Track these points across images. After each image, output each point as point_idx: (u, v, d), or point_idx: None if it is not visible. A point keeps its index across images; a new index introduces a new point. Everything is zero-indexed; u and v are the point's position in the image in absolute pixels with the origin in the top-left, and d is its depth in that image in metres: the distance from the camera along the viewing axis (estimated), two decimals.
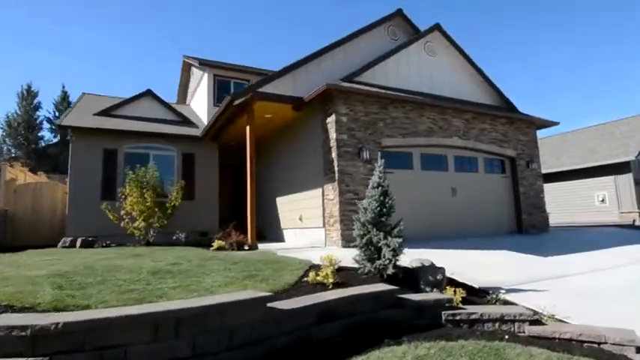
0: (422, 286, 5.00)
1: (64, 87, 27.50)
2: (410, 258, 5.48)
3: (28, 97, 27.46)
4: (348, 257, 5.46)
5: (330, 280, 4.66)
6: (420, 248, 7.74)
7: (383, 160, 5.58)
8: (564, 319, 3.95)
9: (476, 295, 4.83)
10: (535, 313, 4.07)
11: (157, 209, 10.26)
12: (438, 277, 5.06)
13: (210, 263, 5.93)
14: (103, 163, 11.11)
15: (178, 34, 57.07)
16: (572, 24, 57.34)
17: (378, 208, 5.25)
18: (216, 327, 3.03)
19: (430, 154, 10.03)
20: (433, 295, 4.43)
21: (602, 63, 61.99)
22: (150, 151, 11.82)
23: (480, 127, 10.77)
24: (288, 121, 10.64)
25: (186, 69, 17.14)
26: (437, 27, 10.94)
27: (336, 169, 8.33)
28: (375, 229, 5.23)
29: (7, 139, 26.54)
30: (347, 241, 8.15)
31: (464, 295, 4.58)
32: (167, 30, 55.95)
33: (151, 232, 10.15)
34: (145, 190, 9.78)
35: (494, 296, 4.70)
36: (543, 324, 3.90)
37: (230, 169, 14.67)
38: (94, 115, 12.02)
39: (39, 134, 27.88)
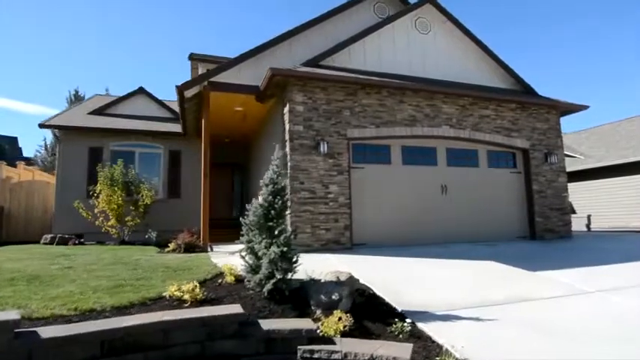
0: (312, 308, 3.99)
1: (107, 91, 29.08)
2: (335, 269, 4.52)
3: (76, 101, 29.63)
4: None
5: (188, 296, 3.83)
6: (387, 256, 6.62)
7: (282, 152, 4.58)
8: None
9: (388, 319, 3.71)
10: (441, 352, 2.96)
11: (132, 207, 10.09)
12: (333, 297, 4.00)
13: (111, 268, 5.41)
14: (88, 161, 11.20)
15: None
16: None
17: (264, 210, 4.30)
18: None
19: (414, 147, 8.68)
20: (291, 324, 3.41)
21: None
22: (135, 149, 11.75)
23: (480, 114, 9.15)
24: (263, 114, 9.89)
25: (195, 66, 17.10)
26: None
27: (288, 164, 7.41)
28: (258, 235, 4.30)
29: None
30: (299, 246, 7.17)
31: (349, 323, 3.50)
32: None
33: (125, 231, 10.00)
34: (115, 189, 9.62)
35: (400, 326, 3.55)
36: None
37: (229, 167, 14.30)
38: (88, 114, 12.23)
39: None
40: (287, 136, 7.51)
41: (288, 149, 7.46)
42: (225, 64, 8.43)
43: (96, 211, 9.77)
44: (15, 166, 12.94)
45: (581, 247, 8.36)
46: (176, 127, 12.34)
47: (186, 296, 3.84)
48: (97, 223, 9.81)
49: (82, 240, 9.80)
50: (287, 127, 7.53)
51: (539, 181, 9.49)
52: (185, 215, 11.94)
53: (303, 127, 7.58)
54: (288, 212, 4.45)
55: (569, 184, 16.63)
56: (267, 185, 4.43)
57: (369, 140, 8.22)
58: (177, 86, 7.87)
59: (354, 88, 8.06)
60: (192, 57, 12.97)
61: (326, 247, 7.38)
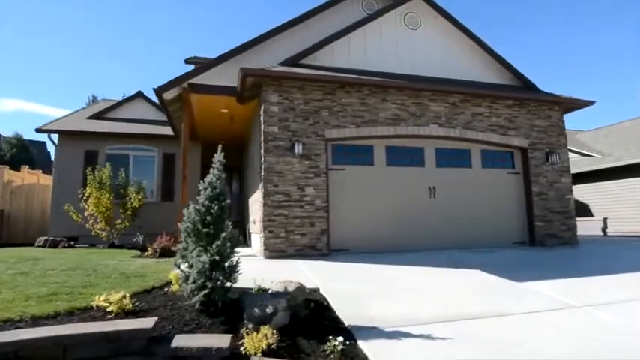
0: (245, 322, 3.73)
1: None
2: (287, 278, 4.28)
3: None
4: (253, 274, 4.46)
5: (115, 307, 3.63)
6: (366, 263, 6.29)
7: (222, 155, 4.34)
8: None
9: (329, 336, 3.38)
10: None
11: (121, 210, 10.15)
12: (267, 310, 3.70)
13: (68, 273, 5.35)
14: (84, 165, 11.37)
15: None
16: None
17: (200, 216, 4.07)
18: None
19: (400, 147, 8.27)
20: (204, 341, 3.15)
21: None
22: (130, 152, 11.85)
23: (473, 112, 8.62)
24: (248, 115, 9.72)
25: None
26: None
27: (262, 166, 7.18)
28: (194, 242, 4.08)
29: None
30: (272, 251, 6.98)
31: (274, 340, 3.21)
32: None
33: (114, 234, 10.06)
34: (103, 192, 9.69)
35: (332, 345, 3.23)
36: None
37: (227, 170, 14.19)
38: (87, 118, 12.45)
39: None
40: (262, 138, 7.28)
41: (262, 151, 7.24)
42: (206, 64, 8.31)
43: (86, 214, 9.87)
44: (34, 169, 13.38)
45: (583, 255, 7.71)
46: (167, 130, 12.37)
47: (112, 307, 3.65)
48: (87, 226, 9.92)
49: (73, 243, 9.93)
50: (262, 128, 7.30)
51: (540, 183, 8.85)
52: (178, 218, 11.96)
53: (278, 128, 7.33)
54: (228, 217, 4.20)
55: (585, 185, 15.70)
56: (205, 189, 4.20)
57: (350, 141, 7.88)
58: (154, 89, 7.80)
59: (332, 87, 7.75)
60: (189, 61, 12.98)
61: (301, 252, 7.09)
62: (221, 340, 3.16)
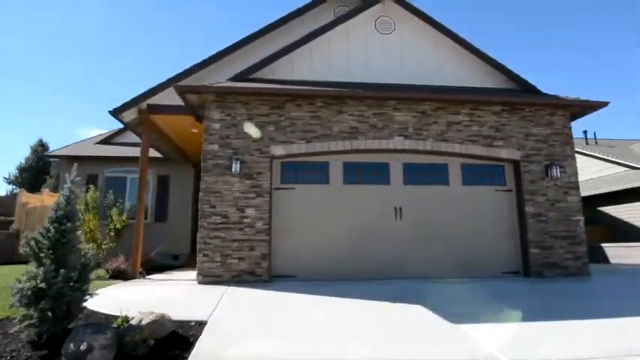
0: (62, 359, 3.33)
1: None
2: (153, 309, 3.80)
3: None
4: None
5: None
6: (304, 293, 5.58)
7: (77, 176, 4.04)
8: None
9: None
10: None
11: (107, 231, 10.40)
12: (81, 348, 3.28)
13: None
14: (86, 188, 11.95)
15: None
16: None
17: (36, 242, 3.77)
18: None
19: (360, 163, 7.45)
20: None
21: None
22: (127, 174, 12.25)
23: (448, 121, 7.54)
24: None
25: None
26: None
27: (201, 186, 6.83)
28: (36, 267, 3.78)
29: None
30: (206, 276, 6.52)
31: None
32: None
33: (101, 254, 10.29)
34: (87, 213, 9.99)
35: None
36: None
37: None
38: (95, 143, 13.22)
39: None
40: (202, 156, 6.97)
41: (202, 170, 6.91)
42: (163, 83, 8.23)
43: None
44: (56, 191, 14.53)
45: (583, 291, 6.16)
46: (171, 153, 12.65)
47: None
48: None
49: None
50: (203, 146, 7.00)
51: (537, 202, 7.41)
52: (171, 239, 12.02)
53: (219, 145, 6.97)
54: (75, 243, 3.85)
55: (636, 204, 13.12)
56: (53, 210, 3.93)
57: (301, 157, 7.26)
58: (110, 111, 7.90)
59: (280, 101, 7.25)
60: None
61: (238, 279, 6.53)
62: None
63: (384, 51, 8.32)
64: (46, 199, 13.69)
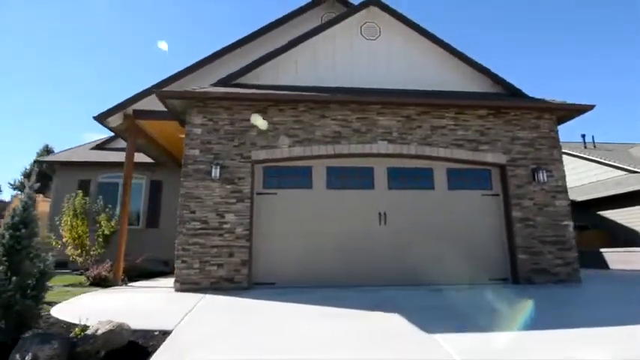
0: None
1: None
2: (118, 318, 3.74)
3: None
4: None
5: None
6: (281, 301, 5.42)
7: (34, 180, 4.01)
8: None
9: None
10: None
11: (96, 237, 10.38)
12: (26, 359, 3.20)
13: None
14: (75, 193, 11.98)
15: None
16: None
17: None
18: None
19: (343, 167, 7.37)
20: None
21: None
22: (119, 180, 12.24)
23: (433, 125, 7.46)
24: None
25: None
26: (372, 1, 8.27)
27: (180, 191, 6.79)
28: None
29: None
30: (184, 284, 6.45)
31: None
32: None
33: (89, 261, 10.26)
34: (75, 219, 9.99)
35: None
36: None
37: None
38: (90, 149, 13.28)
39: None
40: (183, 161, 6.93)
41: (182, 175, 6.87)
42: (149, 88, 8.24)
43: (63, 240, 10.23)
44: None
45: (570, 299, 5.99)
46: (161, 158, 12.67)
47: None
48: (65, 252, 10.26)
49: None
50: (184, 151, 6.97)
51: (525, 206, 7.27)
52: (163, 244, 11.95)
53: (200, 150, 6.94)
54: (32, 250, 3.80)
55: (635, 208, 12.87)
56: (6, 220, 3.88)
57: (284, 162, 7.21)
58: (94, 117, 7.92)
59: (263, 105, 7.21)
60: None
61: (217, 286, 6.45)
62: None
63: (369, 56, 8.28)
64: (41, 205, 13.75)
